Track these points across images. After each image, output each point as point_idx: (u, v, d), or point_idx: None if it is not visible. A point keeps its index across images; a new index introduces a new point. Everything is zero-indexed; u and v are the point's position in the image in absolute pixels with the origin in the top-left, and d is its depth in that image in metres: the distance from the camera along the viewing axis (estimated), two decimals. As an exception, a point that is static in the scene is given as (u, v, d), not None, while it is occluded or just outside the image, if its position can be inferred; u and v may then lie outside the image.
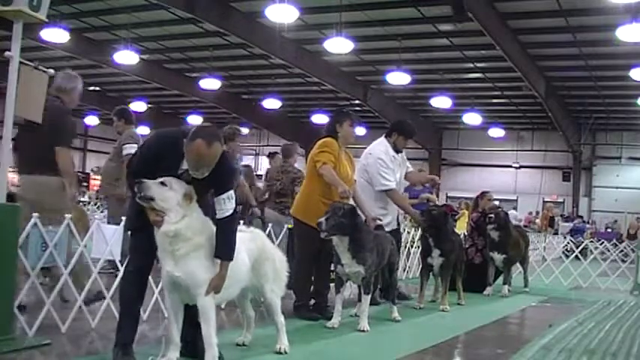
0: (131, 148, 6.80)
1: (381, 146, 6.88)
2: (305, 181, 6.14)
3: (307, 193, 5.97)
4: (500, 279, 8.77)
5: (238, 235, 4.13)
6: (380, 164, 6.68)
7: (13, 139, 4.96)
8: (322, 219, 5.20)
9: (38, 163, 5.06)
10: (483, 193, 9.44)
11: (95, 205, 16.28)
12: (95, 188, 22.80)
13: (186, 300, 3.83)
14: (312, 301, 5.92)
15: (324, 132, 6.10)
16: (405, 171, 7.21)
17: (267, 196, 8.89)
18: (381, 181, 6.66)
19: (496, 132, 27.42)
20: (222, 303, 4.30)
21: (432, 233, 6.95)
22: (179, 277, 3.66)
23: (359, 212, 5.59)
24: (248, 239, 4.19)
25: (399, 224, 7.38)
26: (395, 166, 6.82)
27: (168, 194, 3.65)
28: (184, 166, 3.76)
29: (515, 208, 24.90)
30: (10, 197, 4.72)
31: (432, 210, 7.03)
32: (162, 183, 3.67)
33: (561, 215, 26.32)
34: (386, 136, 6.97)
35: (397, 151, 6.91)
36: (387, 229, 6.45)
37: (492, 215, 8.57)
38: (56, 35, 17.11)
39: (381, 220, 6.21)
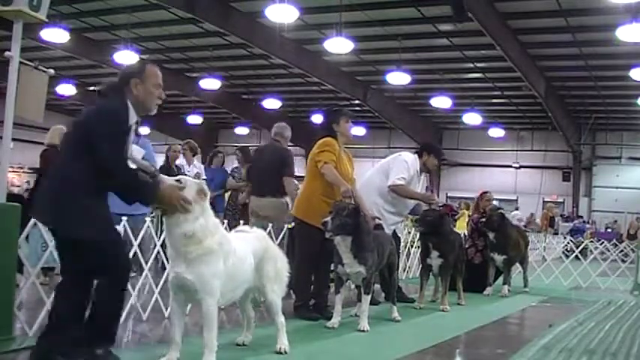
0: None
1: (411, 156, 7.14)
2: (306, 180, 6.13)
3: (308, 193, 5.97)
4: (501, 279, 8.78)
5: (243, 235, 4.15)
6: (402, 164, 6.93)
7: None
8: (328, 219, 5.17)
9: (270, 188, 7.08)
10: (483, 194, 9.46)
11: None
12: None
13: (190, 301, 3.84)
14: (312, 301, 5.92)
15: (320, 133, 6.07)
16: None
17: None
18: (394, 176, 6.84)
19: (496, 132, 27.41)
20: (226, 304, 4.29)
21: (430, 236, 6.99)
22: (189, 280, 3.65)
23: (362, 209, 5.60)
24: (253, 239, 4.21)
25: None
26: (415, 180, 7.03)
27: (183, 192, 3.62)
28: (133, 120, 3.69)
29: (517, 209, 24.86)
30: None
31: (426, 216, 7.03)
32: (178, 181, 3.68)
33: (561, 215, 26.32)
34: (418, 156, 7.16)
35: (425, 171, 7.19)
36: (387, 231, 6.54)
37: (484, 220, 8.65)
38: (56, 35, 17.10)
39: (380, 219, 6.22)
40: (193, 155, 9.70)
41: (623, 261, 12.84)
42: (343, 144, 6.06)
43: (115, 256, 3.60)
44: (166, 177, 3.70)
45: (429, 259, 7.00)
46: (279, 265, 4.33)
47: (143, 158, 5.85)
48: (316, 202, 5.78)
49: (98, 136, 3.45)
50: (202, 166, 9.81)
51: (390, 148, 25.95)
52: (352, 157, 6.26)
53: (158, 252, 5.90)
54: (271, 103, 25.47)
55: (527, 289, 9.21)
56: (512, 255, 8.74)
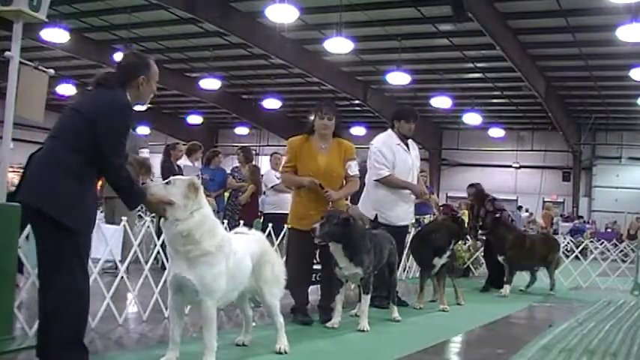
0: (147, 153, 7.35)
1: (382, 137, 6.96)
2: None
3: (295, 199, 5.95)
4: (520, 280, 8.77)
5: (242, 237, 4.15)
6: (376, 155, 6.77)
7: None
8: (316, 225, 5.16)
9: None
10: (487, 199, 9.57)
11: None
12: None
13: (190, 301, 3.84)
14: (318, 303, 5.87)
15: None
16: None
17: None
18: (375, 171, 6.74)
19: (496, 132, 27.41)
20: (224, 305, 4.29)
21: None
22: (189, 281, 3.65)
23: (354, 219, 5.50)
24: (252, 241, 4.21)
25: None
26: (401, 153, 6.82)
27: (172, 190, 3.63)
28: None
29: (527, 210, 24.83)
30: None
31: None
32: (167, 183, 3.69)
33: (561, 215, 26.31)
34: (391, 128, 7.02)
35: (405, 138, 6.93)
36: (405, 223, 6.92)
37: (480, 220, 8.77)
38: (56, 35, 17.11)
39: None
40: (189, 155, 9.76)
41: (623, 261, 12.81)
42: (323, 137, 5.79)
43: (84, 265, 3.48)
44: (153, 183, 3.68)
45: (437, 259, 6.99)
46: (277, 268, 4.34)
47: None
48: (301, 208, 5.76)
49: (105, 139, 3.37)
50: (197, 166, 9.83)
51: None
52: (351, 148, 5.95)
53: (158, 252, 5.91)
54: (271, 103, 25.47)
55: (553, 292, 9.03)
56: (511, 255, 8.72)
